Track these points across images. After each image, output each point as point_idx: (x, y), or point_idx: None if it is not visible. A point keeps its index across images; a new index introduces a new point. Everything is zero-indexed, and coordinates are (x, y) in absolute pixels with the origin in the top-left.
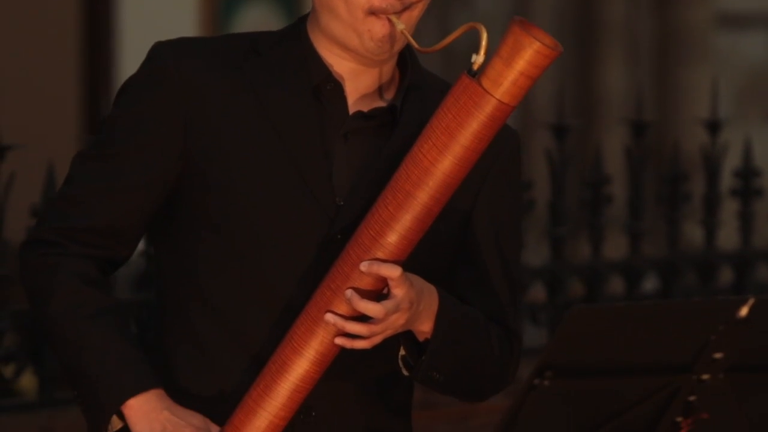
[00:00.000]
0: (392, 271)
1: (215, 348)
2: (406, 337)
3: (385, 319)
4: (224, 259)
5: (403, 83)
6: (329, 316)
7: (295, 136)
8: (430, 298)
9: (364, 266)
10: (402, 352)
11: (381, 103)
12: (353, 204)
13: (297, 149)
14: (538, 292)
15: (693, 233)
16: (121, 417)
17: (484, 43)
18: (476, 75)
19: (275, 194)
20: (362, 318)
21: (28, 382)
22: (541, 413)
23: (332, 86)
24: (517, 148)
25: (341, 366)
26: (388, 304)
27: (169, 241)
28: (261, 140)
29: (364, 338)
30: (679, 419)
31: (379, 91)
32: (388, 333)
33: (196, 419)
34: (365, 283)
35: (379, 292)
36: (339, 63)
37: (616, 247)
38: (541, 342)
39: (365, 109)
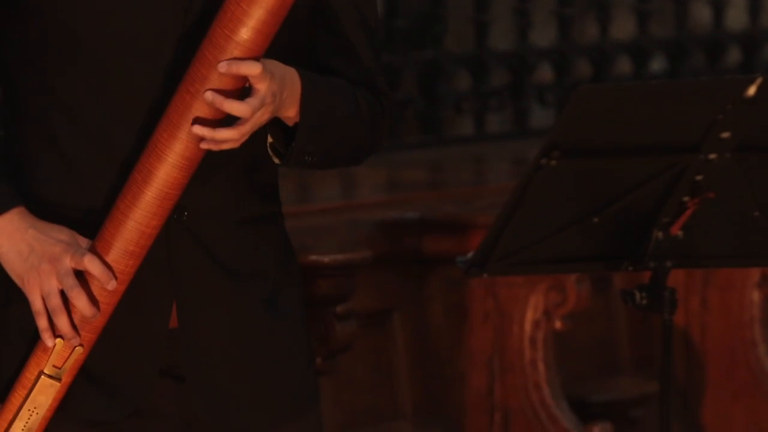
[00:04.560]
0: (253, 69)
1: (75, 152)
2: (272, 124)
3: (251, 118)
4: (72, 53)
5: None
6: (197, 128)
7: None
8: (292, 83)
9: (222, 67)
10: (270, 139)
11: None
12: None
13: None
14: (545, 73)
15: (701, 13)
16: None
17: None
18: None
19: None
20: (227, 118)
21: None
22: (548, 193)
23: None
24: None
25: (206, 162)
26: (253, 101)
27: (12, 36)
28: None
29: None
30: (686, 199)
31: None
32: (255, 128)
33: (64, 234)
34: (224, 83)
35: (239, 90)
36: None
37: (623, 27)
38: (548, 122)
39: None
